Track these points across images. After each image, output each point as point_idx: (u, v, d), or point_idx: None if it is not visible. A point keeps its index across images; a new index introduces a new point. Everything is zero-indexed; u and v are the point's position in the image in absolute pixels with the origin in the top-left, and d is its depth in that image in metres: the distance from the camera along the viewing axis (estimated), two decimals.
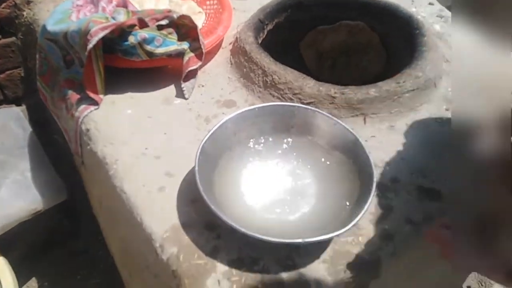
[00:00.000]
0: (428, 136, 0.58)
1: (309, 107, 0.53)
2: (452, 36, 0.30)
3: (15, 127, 0.88)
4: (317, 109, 0.53)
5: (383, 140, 0.58)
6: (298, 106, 0.53)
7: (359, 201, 0.45)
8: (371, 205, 0.50)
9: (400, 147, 0.57)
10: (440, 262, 0.60)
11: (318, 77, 0.93)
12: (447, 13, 0.84)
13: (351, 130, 0.51)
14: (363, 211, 0.42)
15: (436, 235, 0.34)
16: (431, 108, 0.62)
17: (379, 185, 0.52)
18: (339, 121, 0.52)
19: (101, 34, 0.55)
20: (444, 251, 0.33)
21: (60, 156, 0.99)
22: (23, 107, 0.94)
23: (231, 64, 0.69)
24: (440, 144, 0.57)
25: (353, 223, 0.41)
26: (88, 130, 0.60)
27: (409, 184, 0.52)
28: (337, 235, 0.41)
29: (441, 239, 0.33)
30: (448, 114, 0.62)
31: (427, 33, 0.68)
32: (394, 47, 0.79)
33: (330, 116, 0.52)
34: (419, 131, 0.59)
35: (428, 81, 0.61)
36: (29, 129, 0.90)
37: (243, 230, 0.41)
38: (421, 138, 0.58)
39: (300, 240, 0.40)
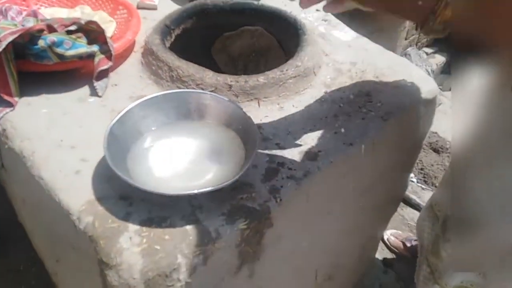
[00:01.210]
0: (309, 113, 0.71)
1: (206, 91, 0.63)
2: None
3: None
4: (212, 93, 0.63)
5: (275, 119, 0.69)
6: (197, 92, 0.63)
7: (247, 164, 0.54)
8: (263, 168, 0.61)
9: (288, 123, 0.69)
10: (326, 217, 0.73)
11: None
12: (331, 17, 1.00)
13: (241, 108, 0.61)
14: (244, 169, 0.52)
15: None
16: (313, 91, 0.75)
17: (269, 154, 0.63)
18: (231, 101, 0.62)
19: (10, 38, 0.60)
20: None
21: None
22: None
23: (142, 64, 0.77)
24: (317, 118, 0.70)
25: (236, 177, 0.51)
26: (4, 130, 0.64)
27: (293, 150, 0.64)
28: (224, 186, 0.51)
29: None
30: (326, 96, 0.75)
31: (308, 32, 0.82)
32: (288, 46, 0.92)
33: (223, 97, 0.62)
34: (303, 110, 0.72)
35: (307, 69, 0.75)
36: None
37: (142, 187, 0.48)
38: (303, 115, 0.70)
39: (195, 191, 0.49)
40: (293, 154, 0.63)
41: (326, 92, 0.76)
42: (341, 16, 1.17)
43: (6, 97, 0.65)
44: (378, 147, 0.70)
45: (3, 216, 1.09)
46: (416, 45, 2.62)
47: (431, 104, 0.78)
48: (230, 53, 1.03)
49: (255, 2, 0.91)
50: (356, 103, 0.73)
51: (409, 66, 0.84)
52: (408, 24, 1.70)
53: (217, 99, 0.62)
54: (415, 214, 1.45)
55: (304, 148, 0.64)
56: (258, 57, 1.04)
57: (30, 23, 0.66)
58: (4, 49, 0.60)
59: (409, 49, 2.48)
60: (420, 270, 0.89)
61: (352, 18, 1.38)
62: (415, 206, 1.50)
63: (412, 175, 1.66)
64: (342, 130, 0.68)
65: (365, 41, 0.91)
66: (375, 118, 0.70)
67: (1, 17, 0.71)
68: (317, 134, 0.67)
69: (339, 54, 0.85)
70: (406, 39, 2.48)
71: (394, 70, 0.82)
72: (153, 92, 0.72)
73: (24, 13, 0.73)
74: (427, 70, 2.32)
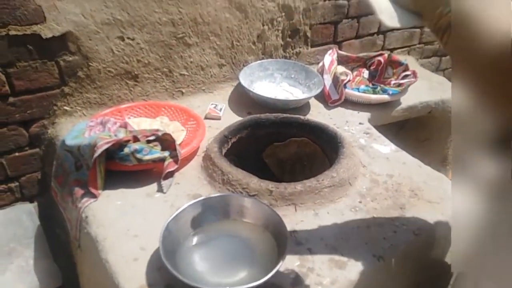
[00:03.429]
0: (343, 221, 0.77)
1: (248, 196, 0.73)
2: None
3: (27, 220, 1.06)
4: (253, 198, 0.73)
5: (309, 224, 0.76)
6: (241, 196, 0.73)
7: (275, 267, 0.61)
8: (293, 272, 0.66)
9: (321, 229, 0.75)
10: None
11: (281, 179, 1.15)
12: (373, 130, 1.10)
13: (278, 214, 0.70)
14: (272, 272, 0.59)
15: None
16: (348, 200, 0.82)
17: (301, 259, 0.69)
18: (269, 206, 0.71)
19: (105, 147, 0.78)
20: None
21: (59, 248, 1.14)
22: (35, 203, 1.14)
23: (202, 167, 0.91)
24: (350, 226, 0.75)
25: (264, 279, 0.58)
26: (86, 217, 0.79)
27: (323, 256, 0.69)
28: (252, 287, 0.57)
29: None
30: (361, 206, 0.81)
31: (347, 145, 0.92)
32: (330, 154, 1.02)
33: (262, 202, 0.72)
34: (337, 218, 0.78)
35: (343, 180, 0.83)
36: (37, 222, 1.08)
37: (185, 280, 0.57)
38: (337, 223, 0.76)
39: None
40: (323, 260, 0.68)
41: (360, 202, 0.82)
42: (389, 126, 1.27)
43: (93, 190, 0.81)
44: (410, 262, 0.72)
45: (71, 284, 1.22)
46: None
47: None
48: (279, 158, 1.16)
49: (302, 117, 1.05)
50: (389, 215, 0.78)
51: (446, 181, 0.88)
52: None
53: (256, 204, 0.72)
54: None
55: (335, 256, 0.69)
56: (305, 161, 1.15)
57: (121, 134, 0.85)
58: (99, 154, 0.78)
59: None
60: None
61: (400, 126, 1.47)
62: None
63: None
64: (374, 241, 0.72)
65: (403, 155, 0.98)
66: (407, 232, 0.74)
67: (101, 126, 0.91)
68: (349, 243, 0.72)
69: (376, 166, 0.93)
70: None
71: (429, 185, 0.86)
72: (207, 191, 0.84)
73: (118, 123, 0.94)
74: None
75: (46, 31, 0.93)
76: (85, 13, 0.95)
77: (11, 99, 0.97)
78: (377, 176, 0.89)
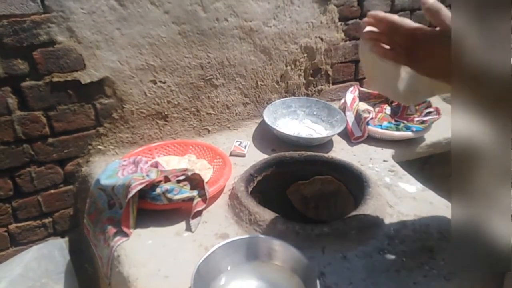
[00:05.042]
0: (372, 265, 0.76)
1: (276, 239, 0.74)
2: None
3: (58, 255, 1.09)
4: (281, 241, 0.74)
5: (337, 267, 0.76)
6: (269, 238, 0.74)
7: None
8: None
9: (350, 273, 0.75)
10: None
11: (305, 215, 1.15)
12: (398, 168, 1.10)
13: (305, 257, 0.70)
14: None
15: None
16: (376, 242, 0.81)
17: None
18: (298, 250, 0.72)
19: (139, 187, 0.82)
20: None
21: (86, 282, 1.17)
22: (66, 239, 1.18)
23: (228, 206, 0.93)
24: (380, 270, 0.75)
25: None
26: (118, 256, 0.81)
27: None
28: None
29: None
30: (389, 248, 0.80)
31: (373, 185, 0.93)
32: (355, 192, 1.03)
33: (291, 246, 0.72)
34: (365, 261, 0.77)
35: (370, 222, 0.82)
36: (68, 257, 1.11)
37: None
38: (366, 266, 0.76)
39: None
40: None
41: (389, 245, 0.81)
42: (412, 161, 1.26)
43: (125, 229, 0.84)
44: None
45: None
46: None
47: None
48: (303, 194, 1.17)
49: (326, 155, 1.07)
50: (418, 258, 0.77)
51: None
52: None
53: (285, 246, 0.72)
54: None
55: None
56: (329, 198, 1.15)
57: (153, 174, 0.89)
58: (133, 194, 0.81)
59: None
60: None
61: (424, 162, 1.46)
62: None
63: None
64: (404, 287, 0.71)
65: (430, 194, 0.97)
66: (437, 277, 0.73)
67: (134, 166, 0.95)
68: (377, 286, 0.71)
69: (403, 206, 0.92)
70: None
71: None
72: (235, 231, 0.86)
73: (149, 163, 0.98)
74: None
75: (85, 77, 1.00)
76: (121, 60, 1.02)
77: (50, 140, 1.03)
78: (405, 216, 0.89)
